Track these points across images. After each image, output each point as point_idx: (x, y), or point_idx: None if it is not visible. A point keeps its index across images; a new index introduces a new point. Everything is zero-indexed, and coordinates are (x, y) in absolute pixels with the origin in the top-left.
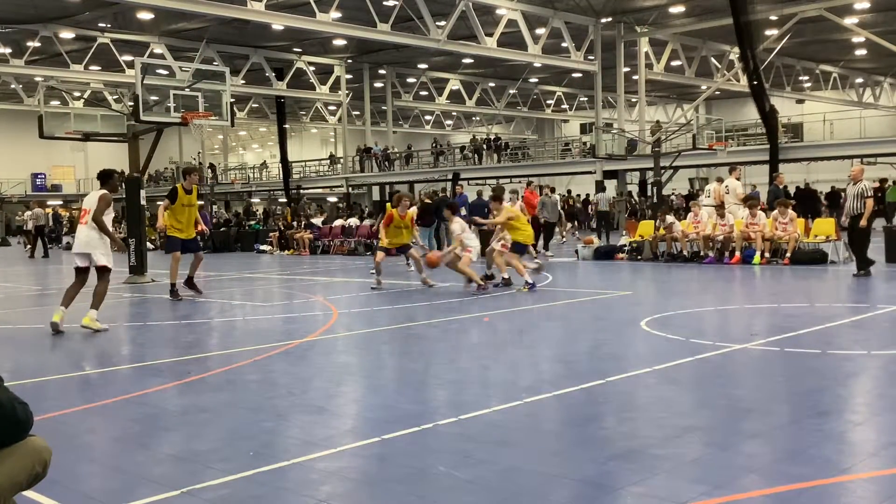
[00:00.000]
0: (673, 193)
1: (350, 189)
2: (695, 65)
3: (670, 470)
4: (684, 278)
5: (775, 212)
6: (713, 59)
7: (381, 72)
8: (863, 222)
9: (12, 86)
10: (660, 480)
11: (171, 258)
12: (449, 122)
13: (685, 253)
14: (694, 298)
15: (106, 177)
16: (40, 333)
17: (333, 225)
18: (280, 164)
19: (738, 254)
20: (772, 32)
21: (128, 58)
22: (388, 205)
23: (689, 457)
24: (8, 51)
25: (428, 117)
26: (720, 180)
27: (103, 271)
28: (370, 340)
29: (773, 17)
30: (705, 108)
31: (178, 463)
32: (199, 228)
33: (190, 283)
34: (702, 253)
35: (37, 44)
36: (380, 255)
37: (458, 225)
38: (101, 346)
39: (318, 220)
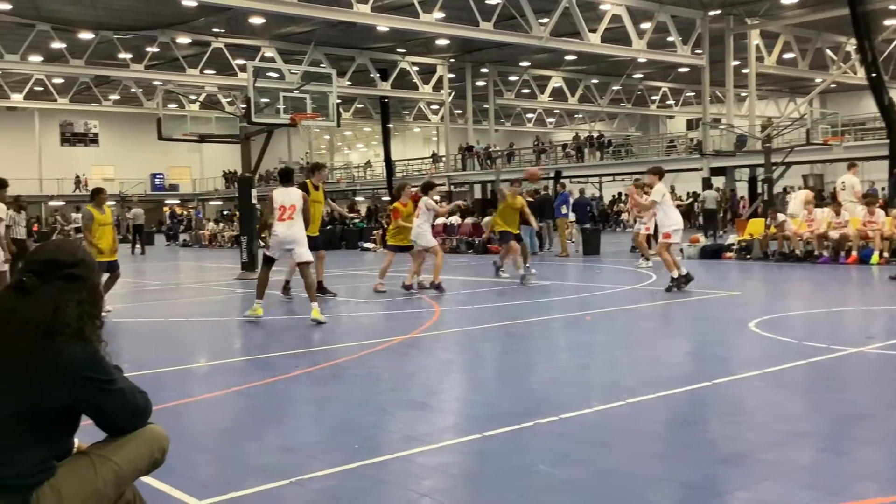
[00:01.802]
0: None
1: (452, 187)
2: (808, 57)
3: (779, 475)
4: (796, 278)
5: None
6: (828, 51)
7: (484, 70)
8: None
9: (133, 90)
10: (768, 486)
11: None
12: (551, 119)
13: (797, 252)
14: (806, 299)
15: (291, 174)
16: (158, 327)
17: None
18: (384, 163)
19: (854, 253)
20: (891, 22)
21: (240, 61)
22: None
23: (799, 462)
24: (129, 56)
25: (530, 115)
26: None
27: (306, 265)
28: (471, 338)
29: (893, 7)
30: (820, 101)
31: (286, 453)
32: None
33: (320, 287)
34: (815, 252)
35: (155, 49)
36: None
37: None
38: (214, 340)
39: None
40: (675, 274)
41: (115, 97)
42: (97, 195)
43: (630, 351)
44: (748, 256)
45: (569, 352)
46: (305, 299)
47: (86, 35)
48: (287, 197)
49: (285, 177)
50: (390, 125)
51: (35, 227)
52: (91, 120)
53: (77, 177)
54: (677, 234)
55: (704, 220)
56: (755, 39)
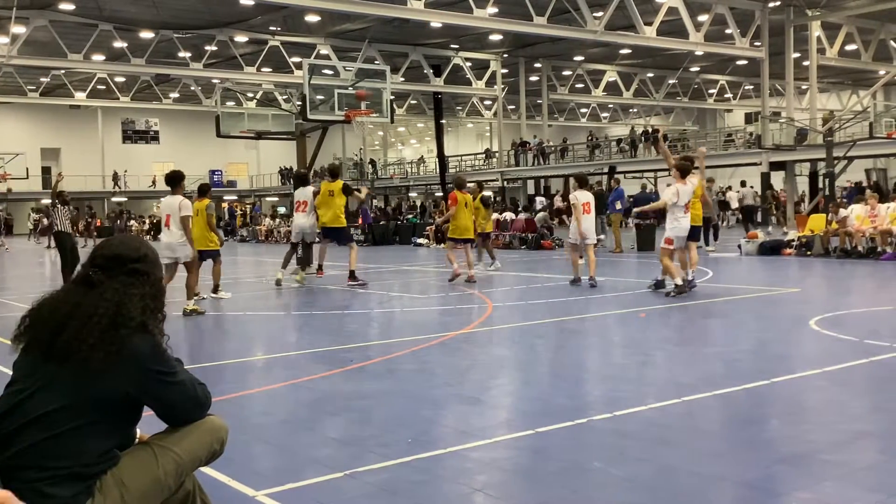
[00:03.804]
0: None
1: (505, 183)
2: (872, 49)
3: (841, 476)
4: (858, 275)
5: None
6: (892, 42)
7: (537, 65)
8: None
9: (192, 88)
10: (829, 487)
11: (351, 248)
12: (605, 114)
13: (860, 248)
14: (869, 297)
15: (305, 177)
16: (217, 320)
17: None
18: (437, 159)
19: None
20: None
21: (296, 59)
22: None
23: (861, 463)
24: (188, 55)
25: (584, 110)
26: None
27: (310, 247)
28: (525, 334)
29: None
30: (884, 94)
31: (342, 446)
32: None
33: (352, 275)
34: (878, 249)
35: (214, 48)
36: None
37: None
38: (272, 334)
39: None
40: (679, 280)
41: (175, 95)
42: (209, 191)
43: (686, 348)
44: (808, 253)
45: (623, 348)
46: (357, 293)
47: (146, 34)
48: (301, 194)
49: (301, 179)
50: (443, 121)
51: (98, 223)
52: (152, 118)
53: (115, 173)
54: (679, 242)
55: (743, 215)
56: (816, 31)
